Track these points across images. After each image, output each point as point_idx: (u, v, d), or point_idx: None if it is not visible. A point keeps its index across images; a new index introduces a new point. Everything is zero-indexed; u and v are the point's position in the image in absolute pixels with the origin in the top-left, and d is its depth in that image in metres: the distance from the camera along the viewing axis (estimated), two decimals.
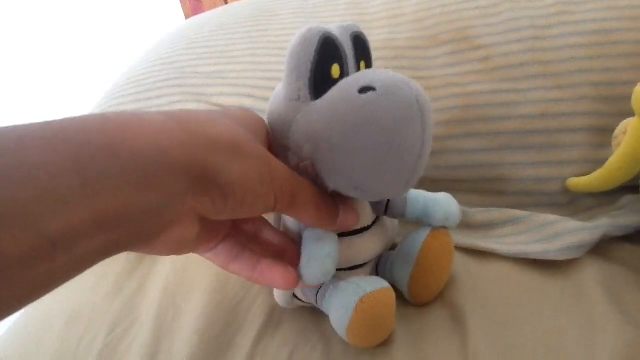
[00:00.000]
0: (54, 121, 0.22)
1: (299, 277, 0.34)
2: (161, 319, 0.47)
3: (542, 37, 0.56)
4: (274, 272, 0.33)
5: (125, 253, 0.60)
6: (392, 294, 0.37)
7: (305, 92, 0.31)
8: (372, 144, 0.28)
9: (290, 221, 0.39)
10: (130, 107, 0.67)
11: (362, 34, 0.34)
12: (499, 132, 0.53)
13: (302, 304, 0.43)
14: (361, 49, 0.34)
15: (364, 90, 0.29)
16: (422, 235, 0.40)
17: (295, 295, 0.42)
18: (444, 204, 0.40)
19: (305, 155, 0.32)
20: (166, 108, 0.64)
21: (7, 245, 0.18)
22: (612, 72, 0.53)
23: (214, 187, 0.26)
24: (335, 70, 0.32)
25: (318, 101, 0.31)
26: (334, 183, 0.32)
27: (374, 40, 0.64)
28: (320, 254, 0.34)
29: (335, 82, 0.31)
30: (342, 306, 0.36)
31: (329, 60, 0.31)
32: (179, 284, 0.52)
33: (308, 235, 0.35)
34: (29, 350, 0.48)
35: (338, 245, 0.35)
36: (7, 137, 0.20)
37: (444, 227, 0.41)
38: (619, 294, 0.39)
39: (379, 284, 0.37)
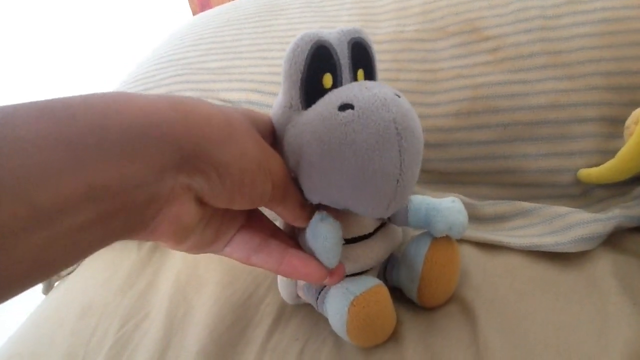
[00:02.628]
0: (38, 101, 0.22)
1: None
2: (172, 314, 0.48)
3: (552, 27, 0.56)
4: (308, 265, 0.33)
5: (137, 247, 0.60)
6: (383, 290, 0.36)
7: (296, 101, 0.31)
8: (346, 167, 0.28)
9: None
10: None
11: (362, 40, 0.33)
12: (509, 124, 0.53)
13: (303, 301, 0.43)
14: (359, 56, 0.33)
15: (343, 107, 0.28)
16: (424, 246, 0.39)
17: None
18: (446, 213, 0.38)
19: (290, 168, 0.32)
20: None
21: (1, 214, 0.18)
22: (622, 61, 0.52)
23: (208, 166, 0.26)
24: (327, 80, 0.31)
25: (305, 113, 0.31)
26: (316, 199, 0.32)
27: (382, 33, 0.64)
28: (323, 225, 0.32)
29: (327, 92, 0.31)
30: (336, 312, 0.36)
31: (320, 70, 0.31)
32: (190, 278, 0.52)
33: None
34: (42, 344, 0.49)
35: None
36: None
37: (444, 237, 0.39)
38: (633, 285, 0.39)
39: (369, 283, 0.36)
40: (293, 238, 0.37)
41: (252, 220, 0.35)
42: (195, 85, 0.66)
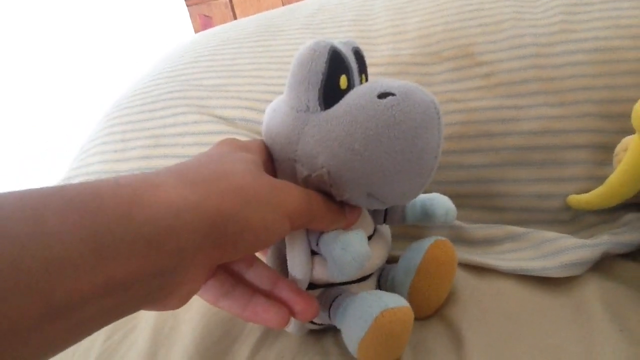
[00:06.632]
0: (68, 187, 0.22)
1: (290, 317, 0.34)
2: (159, 327, 0.47)
3: (545, 54, 0.57)
4: (268, 311, 0.33)
5: None
6: (412, 314, 0.36)
7: (314, 102, 0.32)
8: (394, 147, 0.29)
9: (297, 249, 0.37)
10: (136, 118, 0.68)
11: (360, 49, 0.36)
12: (501, 148, 0.53)
13: (314, 326, 0.42)
14: (361, 62, 0.36)
15: (382, 95, 0.30)
16: (425, 244, 0.40)
17: None
18: (441, 200, 0.41)
19: (319, 164, 0.32)
20: (170, 120, 0.65)
21: (17, 311, 0.18)
22: (614, 89, 0.53)
23: (223, 239, 0.26)
24: (343, 81, 0.33)
25: (331, 110, 0.32)
26: (349, 191, 0.32)
27: (378, 56, 0.64)
28: (354, 236, 0.33)
29: (343, 92, 0.33)
30: (359, 317, 0.34)
31: (338, 71, 0.32)
32: None
33: (327, 236, 0.34)
34: None
35: None
36: (24, 206, 0.20)
37: (446, 239, 0.41)
38: (620, 312, 0.39)
39: (401, 302, 0.35)
40: (271, 269, 0.37)
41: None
42: (192, 102, 0.66)
